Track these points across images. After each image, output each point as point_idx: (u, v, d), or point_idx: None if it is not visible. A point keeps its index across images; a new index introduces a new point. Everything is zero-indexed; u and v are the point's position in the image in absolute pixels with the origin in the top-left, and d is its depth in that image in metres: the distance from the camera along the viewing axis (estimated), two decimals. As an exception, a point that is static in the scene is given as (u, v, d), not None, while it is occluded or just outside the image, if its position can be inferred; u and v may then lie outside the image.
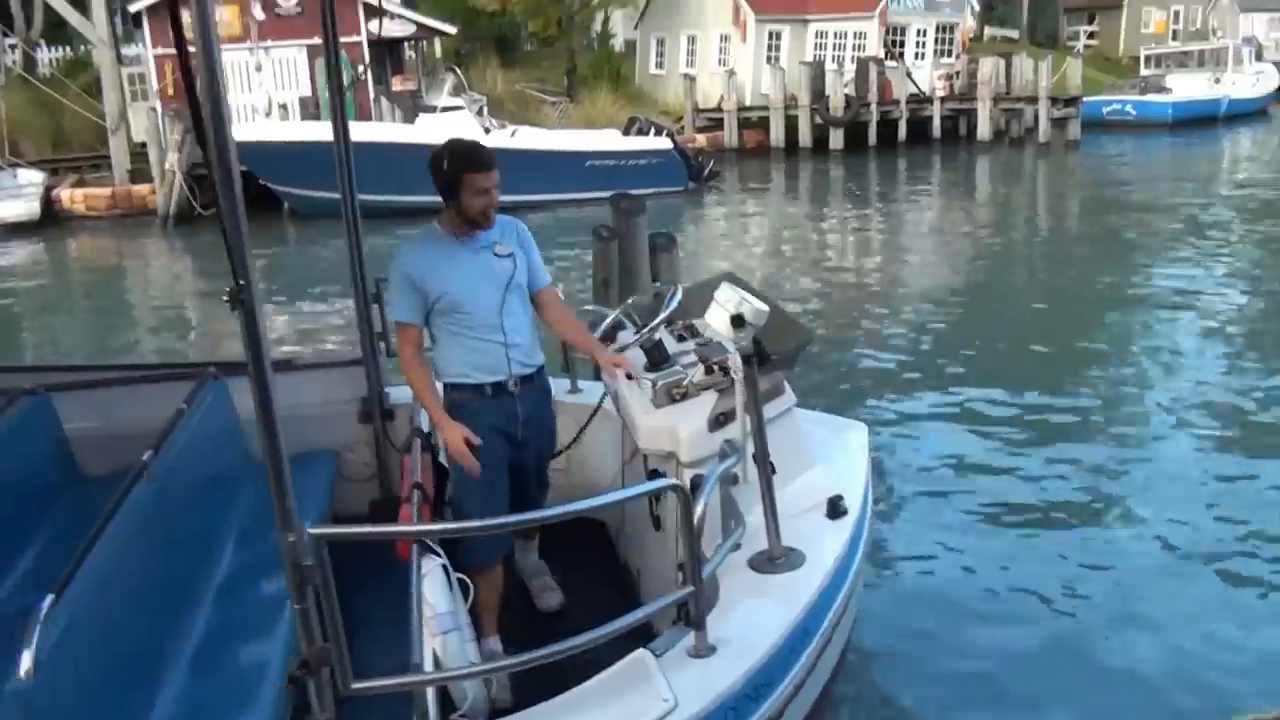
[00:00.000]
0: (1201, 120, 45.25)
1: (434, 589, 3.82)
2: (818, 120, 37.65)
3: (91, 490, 5.42)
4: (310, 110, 31.37)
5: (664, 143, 30.02)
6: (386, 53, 35.97)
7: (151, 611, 4.25)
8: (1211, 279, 17.68)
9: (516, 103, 38.07)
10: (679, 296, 5.36)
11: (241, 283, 2.81)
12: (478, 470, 4.66)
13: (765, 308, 4.32)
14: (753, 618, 4.09)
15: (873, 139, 37.95)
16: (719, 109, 38.91)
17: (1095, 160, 36.53)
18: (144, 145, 29.42)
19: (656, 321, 5.21)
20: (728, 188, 31.77)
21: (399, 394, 6.20)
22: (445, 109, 27.84)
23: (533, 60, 45.43)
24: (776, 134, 37.94)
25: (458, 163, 4.71)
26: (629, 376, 4.96)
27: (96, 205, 29.38)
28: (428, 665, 3.49)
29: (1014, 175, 34.72)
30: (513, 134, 28.07)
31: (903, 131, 38.77)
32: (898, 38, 42.76)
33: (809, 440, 5.12)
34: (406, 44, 38.03)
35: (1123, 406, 11.32)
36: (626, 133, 30.52)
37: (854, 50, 41.45)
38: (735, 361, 4.50)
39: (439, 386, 4.91)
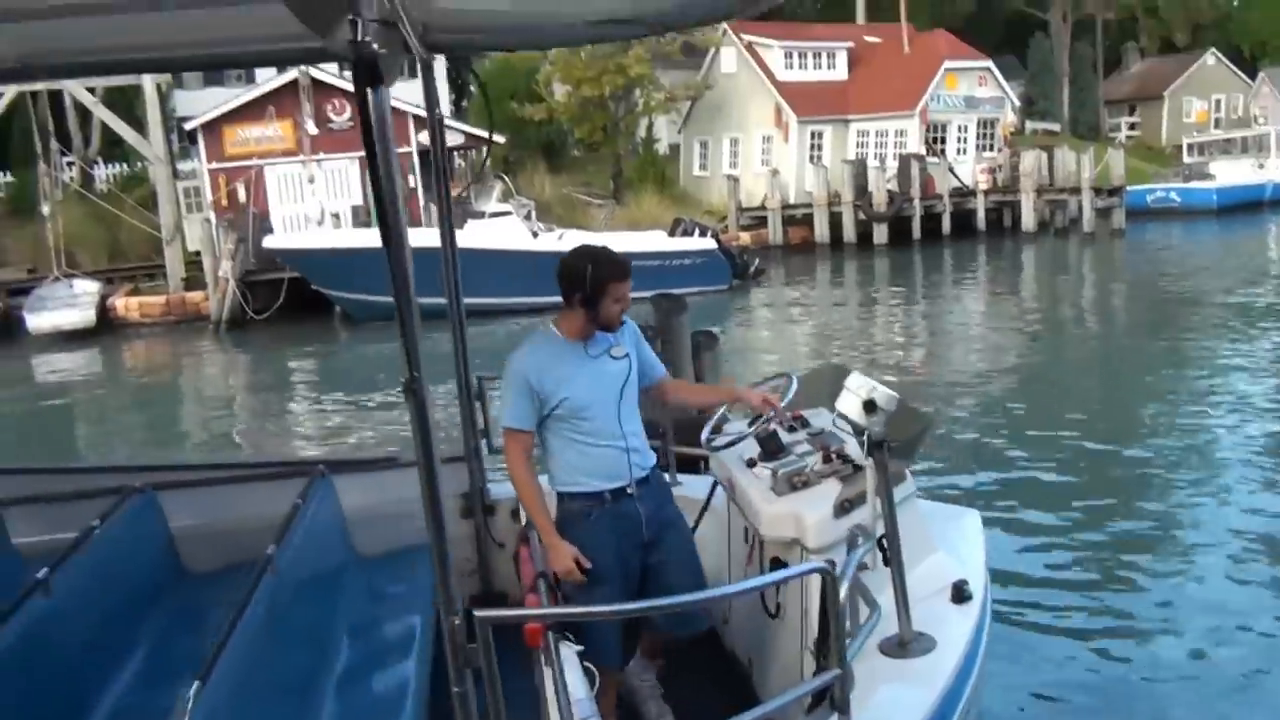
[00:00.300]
0: (1247, 205, 45.23)
1: (574, 676, 3.80)
2: (861, 216, 37.96)
3: (198, 587, 5.47)
4: (362, 219, 31.96)
5: (708, 243, 30.26)
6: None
7: (279, 701, 4.26)
8: (1267, 369, 17.50)
9: (563, 206, 38.64)
10: (795, 387, 5.31)
11: (415, 375, 2.86)
12: (581, 582, 4.59)
13: (895, 395, 4.34)
14: (891, 701, 4.07)
15: (917, 233, 38.13)
16: (763, 208, 39.35)
17: (1142, 248, 36.50)
18: (198, 254, 30.10)
19: (773, 412, 5.12)
20: (774, 284, 31.98)
21: (499, 490, 6.19)
22: (494, 214, 28.24)
23: (579, 165, 46.16)
24: (821, 230, 38.29)
25: (603, 270, 4.60)
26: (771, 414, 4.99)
27: (151, 312, 30.09)
28: None
29: (1060, 265, 34.67)
30: (560, 237, 28.06)
31: (947, 225, 38.95)
32: (939, 134, 43.20)
33: (929, 526, 5.11)
34: (456, 153, 38.71)
35: (1177, 503, 11.19)
36: (672, 234, 30.78)
37: (895, 147, 41.97)
38: (854, 448, 4.58)
39: (549, 493, 4.80)
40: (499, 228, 27.59)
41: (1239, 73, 66.19)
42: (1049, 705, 6.93)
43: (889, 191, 38.04)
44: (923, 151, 41.21)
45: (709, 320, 23.07)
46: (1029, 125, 54.13)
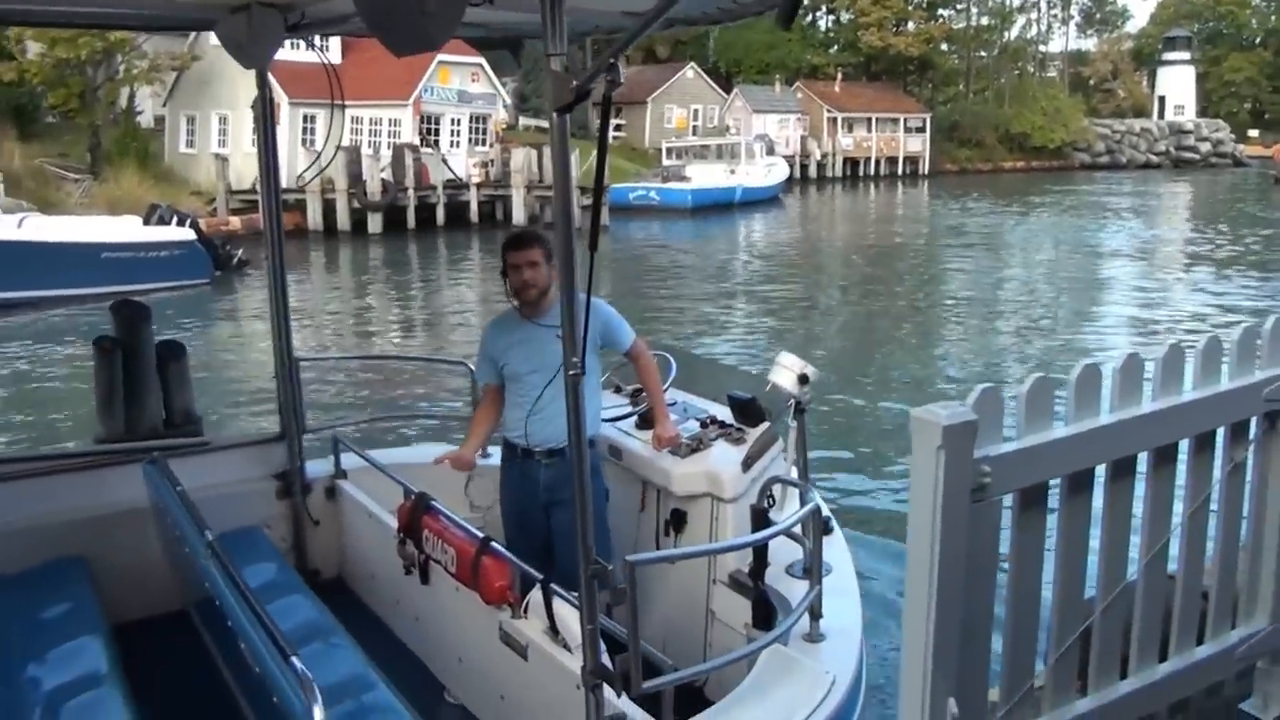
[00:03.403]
0: (719, 206, 49.13)
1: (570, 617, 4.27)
2: (355, 204, 37.75)
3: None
4: None
5: (186, 233, 27.70)
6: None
7: None
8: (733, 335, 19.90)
9: (36, 179, 35.72)
10: (674, 366, 6.34)
11: (575, 360, 3.17)
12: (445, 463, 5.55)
13: (815, 370, 5.23)
14: (832, 611, 4.54)
15: (411, 222, 38.48)
16: (254, 190, 38.10)
17: (626, 243, 38.70)
18: None
19: (663, 389, 5.91)
20: (263, 274, 30.73)
21: (314, 469, 6.44)
22: None
23: (54, 133, 42.81)
24: (314, 217, 37.77)
25: (504, 246, 5.37)
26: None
27: None
28: None
29: (553, 259, 36.18)
30: (20, 223, 25.50)
31: (441, 216, 39.59)
32: (433, 125, 43.63)
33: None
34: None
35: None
36: (147, 222, 28.16)
37: (390, 136, 41.94)
38: (725, 415, 5.82)
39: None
40: None
41: (715, 86, 71.89)
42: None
43: (383, 180, 38.13)
44: (417, 142, 41.53)
45: (191, 317, 22.23)
46: (523, 121, 55.73)
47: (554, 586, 4.41)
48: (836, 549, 5.36)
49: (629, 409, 6.14)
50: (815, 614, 4.45)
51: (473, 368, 6.01)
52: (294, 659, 3.41)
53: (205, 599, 4.62)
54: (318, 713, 3.17)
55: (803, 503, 4.68)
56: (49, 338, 21.41)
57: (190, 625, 5.51)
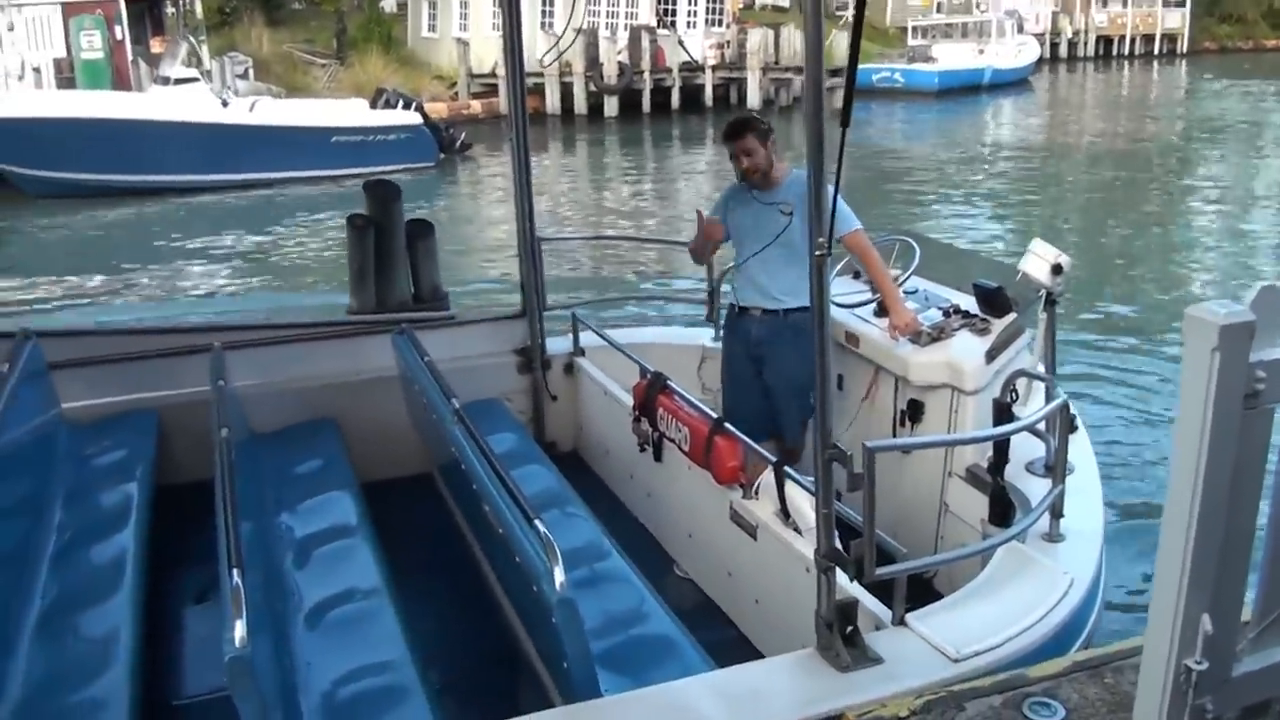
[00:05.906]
0: (966, 88, 47.38)
1: (804, 501, 4.38)
2: (592, 88, 37.81)
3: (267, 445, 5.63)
4: (65, 74, 29.75)
5: (412, 117, 28.48)
6: (146, 12, 34.39)
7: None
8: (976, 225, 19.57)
9: (284, 64, 36.98)
10: (918, 252, 6.21)
11: (820, 240, 3.22)
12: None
13: (1070, 260, 5.09)
14: (1071, 510, 4.44)
15: (647, 106, 38.37)
16: (494, 74, 38.57)
17: (866, 128, 37.59)
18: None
19: (905, 276, 6.04)
20: (504, 156, 31.25)
21: (554, 345, 6.78)
22: (179, 80, 26.04)
23: (301, 19, 44.18)
24: (552, 101, 37.98)
25: (723, 138, 5.84)
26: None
27: None
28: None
29: (784, 144, 35.43)
30: (251, 108, 26.49)
31: (676, 99, 39.26)
32: (670, 6, 43.11)
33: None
34: (167, 2, 36.44)
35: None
36: (374, 106, 28.94)
37: (627, 18, 41.69)
38: (970, 305, 5.67)
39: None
40: (183, 96, 25.43)
41: (962, -42, 68.62)
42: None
43: (620, 63, 38.02)
44: (653, 23, 41.21)
45: (419, 201, 22.73)
46: (758, 1, 54.76)
47: (787, 469, 4.46)
48: (1080, 448, 5.13)
49: (867, 296, 6.02)
50: (1056, 513, 4.32)
51: None
52: (537, 522, 3.50)
53: (451, 462, 4.82)
54: (558, 574, 3.26)
55: (1048, 398, 4.51)
56: (302, 216, 22.29)
57: (433, 487, 5.81)
